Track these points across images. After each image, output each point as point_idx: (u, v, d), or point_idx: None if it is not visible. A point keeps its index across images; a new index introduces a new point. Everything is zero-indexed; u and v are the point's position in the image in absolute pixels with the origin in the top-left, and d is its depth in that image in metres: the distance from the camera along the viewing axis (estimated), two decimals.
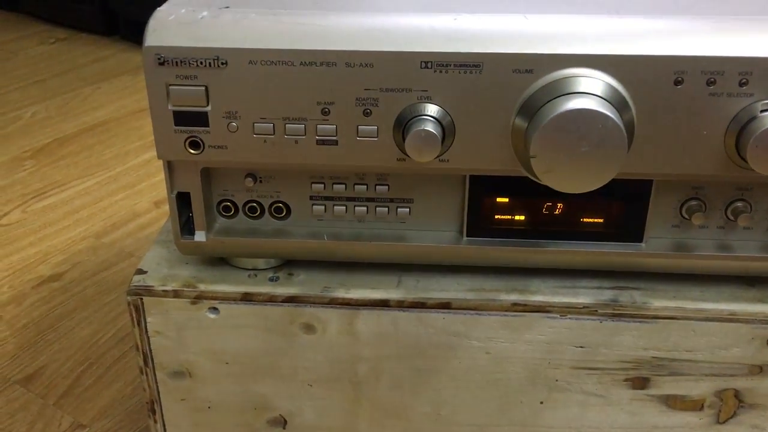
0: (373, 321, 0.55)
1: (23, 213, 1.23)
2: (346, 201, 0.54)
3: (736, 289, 0.56)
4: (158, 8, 0.49)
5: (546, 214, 0.54)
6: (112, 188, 1.31)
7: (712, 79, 0.46)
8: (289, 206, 0.55)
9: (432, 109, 0.48)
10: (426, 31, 0.47)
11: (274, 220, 0.56)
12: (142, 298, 0.56)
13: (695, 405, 0.57)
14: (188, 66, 0.48)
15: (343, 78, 0.47)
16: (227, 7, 0.49)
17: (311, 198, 0.54)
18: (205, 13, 0.48)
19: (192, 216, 0.54)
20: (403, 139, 0.48)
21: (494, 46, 0.46)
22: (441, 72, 0.47)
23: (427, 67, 0.47)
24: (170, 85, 0.48)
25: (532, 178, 0.49)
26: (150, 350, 0.58)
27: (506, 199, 0.53)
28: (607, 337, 0.55)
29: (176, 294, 0.56)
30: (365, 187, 0.54)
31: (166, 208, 1.12)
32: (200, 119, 0.49)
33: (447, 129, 0.48)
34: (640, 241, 0.54)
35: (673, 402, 0.57)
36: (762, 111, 0.46)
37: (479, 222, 0.54)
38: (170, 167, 0.52)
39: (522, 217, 0.54)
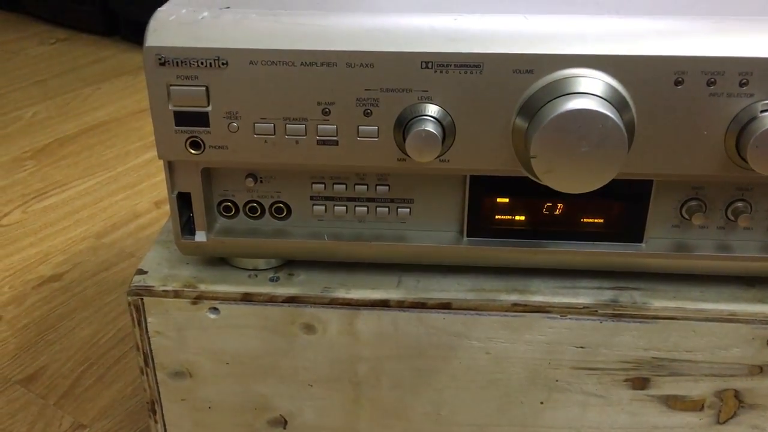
0: (373, 321, 0.55)
1: (24, 213, 1.24)
2: (347, 201, 0.54)
3: (736, 289, 0.56)
4: (159, 9, 0.49)
5: (546, 214, 0.54)
6: (113, 188, 1.31)
7: (713, 80, 0.46)
8: (289, 206, 0.55)
9: (432, 110, 0.48)
10: (426, 32, 0.47)
11: (275, 220, 0.56)
12: (142, 299, 0.56)
13: (695, 405, 0.57)
14: (189, 66, 0.48)
15: (344, 78, 0.48)
16: (228, 8, 0.49)
17: (312, 198, 0.55)
18: (205, 14, 0.48)
19: (192, 216, 0.54)
20: (404, 140, 0.48)
21: (494, 47, 0.46)
22: (441, 72, 0.47)
23: (428, 68, 0.47)
24: (171, 85, 0.48)
25: (533, 178, 0.49)
26: (150, 350, 0.58)
27: (506, 200, 0.53)
28: (607, 338, 0.55)
29: (177, 294, 0.56)
30: (366, 187, 0.54)
31: (167, 208, 1.12)
32: (201, 119, 0.49)
33: (447, 129, 0.48)
34: (641, 241, 0.54)
35: (673, 402, 0.57)
36: (762, 111, 0.46)
37: (479, 222, 0.54)
38: (171, 167, 0.52)
39: (522, 218, 0.54)
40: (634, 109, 0.47)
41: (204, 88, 0.48)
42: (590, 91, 0.46)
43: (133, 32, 2.04)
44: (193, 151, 0.50)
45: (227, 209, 0.55)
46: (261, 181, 0.54)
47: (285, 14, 0.48)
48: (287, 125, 0.49)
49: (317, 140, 0.50)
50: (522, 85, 0.47)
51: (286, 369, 0.58)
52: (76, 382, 0.89)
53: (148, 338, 0.57)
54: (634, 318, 0.54)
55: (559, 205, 0.53)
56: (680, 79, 0.46)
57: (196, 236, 0.55)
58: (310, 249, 0.55)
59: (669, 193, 0.53)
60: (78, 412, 0.85)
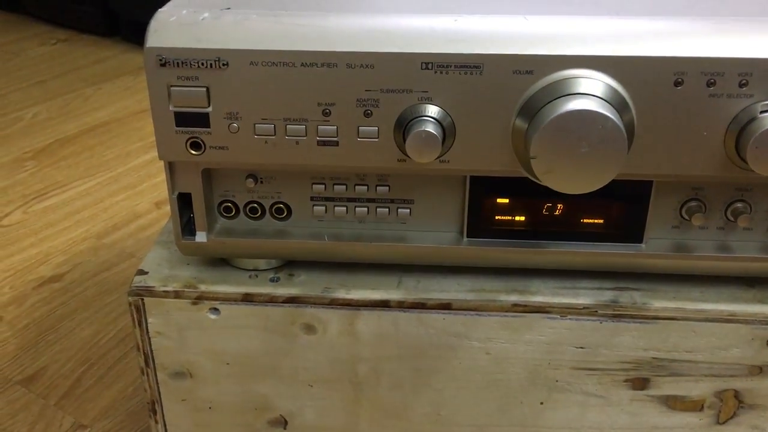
0: (373, 321, 0.55)
1: (24, 214, 1.24)
2: (347, 202, 0.54)
3: (736, 289, 0.56)
4: (159, 9, 0.49)
5: (546, 214, 0.54)
6: (113, 189, 1.31)
7: (712, 80, 0.46)
8: (289, 207, 0.55)
9: (432, 110, 0.48)
10: (426, 32, 0.47)
11: (275, 220, 0.56)
12: (143, 299, 0.56)
13: (695, 405, 0.57)
14: (189, 67, 0.48)
15: (344, 79, 0.48)
16: (228, 9, 0.49)
17: (312, 199, 0.55)
18: (206, 15, 0.49)
19: (193, 217, 0.54)
20: (404, 140, 0.48)
21: (495, 47, 0.47)
22: (441, 73, 0.47)
23: (428, 68, 0.47)
24: (171, 86, 0.48)
25: (533, 178, 0.49)
26: (151, 351, 0.58)
27: (506, 200, 0.53)
28: (607, 338, 0.55)
29: (177, 295, 0.56)
30: (366, 187, 0.54)
31: (167, 208, 1.12)
32: (201, 120, 0.49)
33: (447, 130, 0.48)
34: (640, 241, 0.54)
35: (673, 402, 0.57)
36: (762, 112, 0.46)
37: (479, 223, 0.54)
38: (171, 168, 0.52)
39: (522, 218, 0.54)
40: (633, 110, 0.47)
41: (204, 89, 0.48)
42: (590, 91, 0.46)
43: (134, 33, 2.04)
44: (193, 152, 0.50)
45: (228, 210, 0.55)
46: (261, 182, 0.54)
47: (285, 15, 0.48)
48: (288, 126, 0.49)
49: (317, 141, 0.50)
50: (522, 85, 0.47)
51: (287, 369, 0.58)
52: (77, 382, 0.89)
53: (149, 339, 0.57)
54: (634, 318, 0.54)
55: (559, 205, 0.53)
56: (680, 79, 0.46)
57: (196, 237, 0.55)
58: (310, 249, 0.56)
59: (669, 193, 0.53)
60: (78, 412, 0.85)
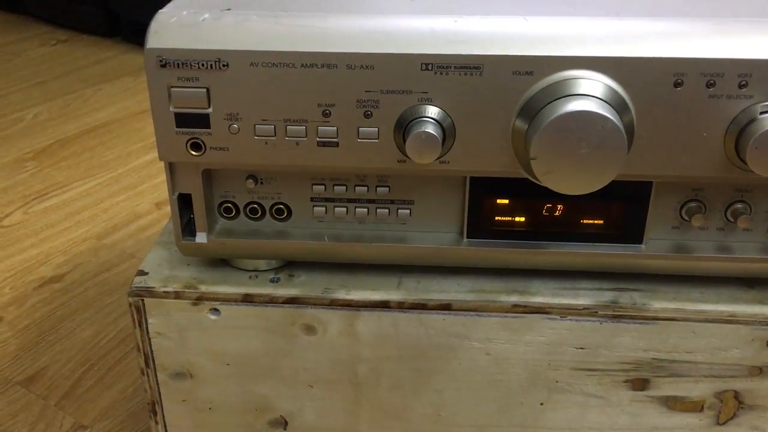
0: (373, 322, 0.55)
1: (25, 214, 1.24)
2: (347, 202, 0.54)
3: (736, 290, 0.56)
4: (160, 10, 0.49)
5: (546, 215, 0.54)
6: (114, 189, 1.31)
7: (712, 81, 0.46)
8: (290, 207, 0.55)
9: (432, 111, 0.48)
10: (426, 33, 0.47)
11: (275, 221, 0.56)
12: (143, 300, 0.56)
13: (695, 406, 0.57)
14: (190, 68, 0.48)
15: (344, 80, 0.48)
16: (228, 10, 0.49)
17: (312, 199, 0.55)
18: (206, 15, 0.49)
19: (193, 217, 0.54)
20: (404, 141, 0.48)
21: (494, 48, 0.47)
22: (441, 74, 0.47)
23: (428, 69, 0.47)
24: (172, 86, 0.48)
25: (532, 179, 0.49)
26: (151, 351, 0.58)
27: (506, 201, 0.53)
28: (607, 339, 0.55)
29: (177, 295, 0.56)
30: (366, 188, 0.54)
31: (168, 209, 1.12)
32: (201, 121, 0.49)
33: (447, 131, 0.48)
34: (640, 242, 0.54)
35: (673, 403, 0.57)
36: (761, 113, 0.46)
37: (479, 223, 0.54)
38: (171, 169, 0.53)
39: (522, 219, 0.54)
40: (633, 111, 0.47)
41: (205, 90, 0.48)
42: (590, 92, 0.46)
43: (134, 33, 2.04)
44: (193, 153, 0.50)
45: (228, 210, 0.55)
46: (261, 183, 0.54)
47: (285, 16, 0.48)
48: (288, 127, 0.49)
49: (318, 142, 0.50)
50: (522, 86, 0.47)
51: (287, 370, 0.58)
52: (77, 382, 0.89)
53: (149, 339, 0.57)
54: (634, 319, 0.54)
55: (559, 206, 0.53)
56: (680, 80, 0.46)
57: (196, 237, 0.55)
58: (310, 250, 0.56)
59: (669, 194, 0.53)
60: (79, 413, 0.85)
